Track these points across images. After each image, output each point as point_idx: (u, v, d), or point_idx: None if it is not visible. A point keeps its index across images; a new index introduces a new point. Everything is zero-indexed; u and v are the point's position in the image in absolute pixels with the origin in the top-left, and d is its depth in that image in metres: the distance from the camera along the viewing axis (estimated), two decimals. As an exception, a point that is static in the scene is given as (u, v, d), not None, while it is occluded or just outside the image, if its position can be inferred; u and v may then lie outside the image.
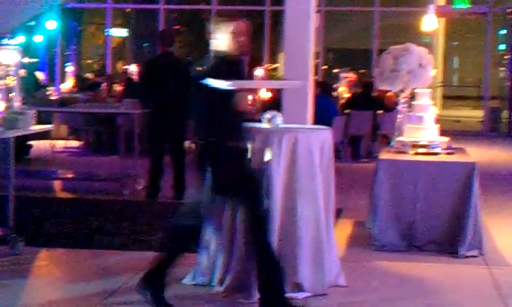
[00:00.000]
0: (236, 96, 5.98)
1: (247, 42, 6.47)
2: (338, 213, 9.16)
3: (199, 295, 6.61)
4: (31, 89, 14.35)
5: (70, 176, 12.68)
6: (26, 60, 22.83)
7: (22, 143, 13.18)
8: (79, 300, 6.36)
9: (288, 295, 6.44)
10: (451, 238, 8.17)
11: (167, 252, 6.45)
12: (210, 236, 6.81)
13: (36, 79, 18.32)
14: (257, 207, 6.18)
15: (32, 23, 20.97)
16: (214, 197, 6.40)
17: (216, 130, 6.11)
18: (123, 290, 6.63)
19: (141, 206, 10.26)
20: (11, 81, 7.88)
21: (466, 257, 7.96)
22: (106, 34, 26.69)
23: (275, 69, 24.14)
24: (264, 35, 23.84)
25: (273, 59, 24.47)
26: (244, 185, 6.24)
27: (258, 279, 6.31)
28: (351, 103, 16.60)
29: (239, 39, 6.30)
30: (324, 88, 16.57)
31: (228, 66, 6.16)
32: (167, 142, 10.83)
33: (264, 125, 6.88)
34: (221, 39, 6.30)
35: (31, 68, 20.09)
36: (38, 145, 15.26)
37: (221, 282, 6.67)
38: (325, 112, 13.49)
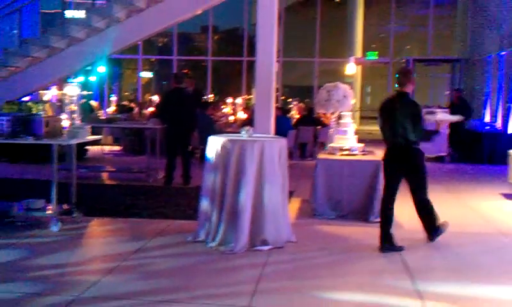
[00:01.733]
0: None
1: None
2: (291, 194, 9.18)
3: (197, 249, 6.62)
4: (87, 112, 14.28)
5: (113, 169, 12.64)
6: (84, 92, 22.83)
7: (81, 148, 13.14)
8: (117, 253, 6.36)
9: (257, 247, 6.52)
10: (364, 209, 8.22)
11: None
12: (205, 205, 6.84)
13: (90, 106, 18.26)
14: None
15: (89, 68, 20.86)
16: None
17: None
18: (147, 248, 6.64)
19: (161, 190, 10.23)
20: (74, 106, 7.87)
21: (374, 222, 8.01)
22: (138, 75, 26.64)
23: (250, 99, 24.13)
24: (242, 76, 23.93)
25: (249, 92, 24.50)
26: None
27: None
28: (299, 121, 16.62)
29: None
30: (282, 111, 16.67)
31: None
32: (178, 147, 10.83)
33: (243, 136, 6.91)
34: None
35: (87, 98, 20.08)
36: (92, 149, 15.22)
37: (214, 238, 6.69)
38: (283, 127, 13.51)
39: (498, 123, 17.97)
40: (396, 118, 6.98)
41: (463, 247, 7.09)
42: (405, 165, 7.04)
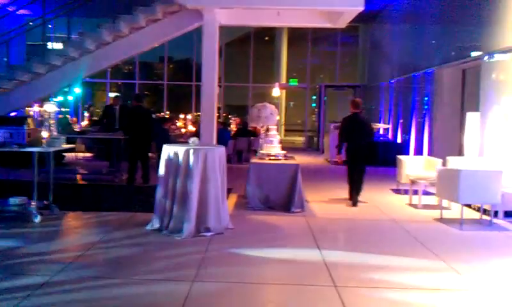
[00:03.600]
0: None
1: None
2: (229, 190, 9.18)
3: (153, 236, 6.52)
4: (65, 125, 13.82)
5: (85, 172, 12.31)
6: (62, 109, 22.19)
7: (59, 154, 12.72)
8: (85, 242, 6.19)
9: (202, 234, 6.47)
10: (287, 202, 8.28)
11: None
12: (160, 200, 6.75)
13: (67, 120, 17.71)
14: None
15: (66, 89, 20.29)
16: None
17: None
18: (111, 237, 6.48)
19: (124, 188, 10.01)
20: (52, 121, 7.63)
21: (295, 212, 8.10)
22: (107, 95, 26.10)
23: (198, 115, 23.96)
24: (192, 96, 23.76)
25: (197, 110, 24.35)
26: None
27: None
28: (237, 133, 16.61)
29: None
30: (223, 125, 16.59)
31: None
32: (138, 153, 10.63)
33: (191, 145, 6.86)
34: None
35: (65, 114, 19.50)
36: (68, 155, 14.74)
37: (167, 227, 6.61)
38: (223, 138, 13.49)
39: (390, 135, 18.49)
40: (361, 128, 9.09)
41: (361, 229, 7.26)
42: (363, 156, 9.14)
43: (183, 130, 17.33)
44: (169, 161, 6.66)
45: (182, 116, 19.83)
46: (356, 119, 9.15)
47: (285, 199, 8.32)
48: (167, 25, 11.58)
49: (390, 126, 12.09)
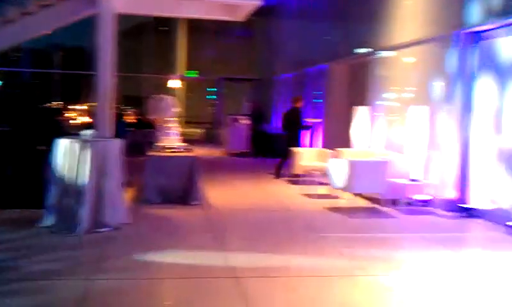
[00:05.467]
0: None
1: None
2: (126, 184, 8.89)
3: (44, 233, 6.16)
4: None
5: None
6: None
7: None
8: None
9: (98, 229, 6.22)
10: (186, 195, 8.18)
11: None
12: (53, 195, 6.40)
13: None
14: None
15: None
16: None
17: None
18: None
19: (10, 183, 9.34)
20: None
21: (193, 205, 8.04)
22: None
23: (93, 105, 23.08)
24: (86, 86, 22.79)
25: (92, 100, 23.47)
26: None
27: None
28: (136, 125, 16.16)
29: None
30: (120, 117, 16.04)
31: None
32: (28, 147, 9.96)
33: (85, 137, 6.56)
34: None
35: None
36: None
37: (59, 223, 6.29)
38: (120, 130, 13.01)
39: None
40: (296, 120, 11.29)
41: (257, 219, 7.37)
42: (296, 142, 11.18)
43: (77, 121, 16.59)
44: (62, 155, 6.33)
45: (75, 106, 18.96)
46: (293, 112, 11.38)
47: (184, 192, 8.21)
48: (60, 11, 10.94)
49: (321, 120, 12.71)
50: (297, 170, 10.29)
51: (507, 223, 6.95)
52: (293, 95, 12.18)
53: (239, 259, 5.39)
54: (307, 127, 11.69)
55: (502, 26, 7.56)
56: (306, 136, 16.07)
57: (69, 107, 20.06)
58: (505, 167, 7.44)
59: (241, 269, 5.01)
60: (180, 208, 7.84)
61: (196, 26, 24.53)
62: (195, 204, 8.05)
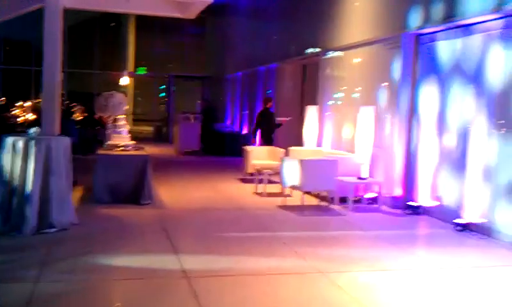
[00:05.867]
0: None
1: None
2: (75, 183, 8.68)
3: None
4: None
5: None
6: None
7: None
8: None
9: (45, 230, 6.03)
10: (136, 194, 8.05)
11: None
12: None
13: None
14: None
15: None
16: None
17: None
18: None
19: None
20: None
21: (144, 204, 7.93)
22: None
23: (39, 102, 22.35)
24: (31, 82, 22.04)
25: (37, 96, 22.74)
26: None
27: None
28: (85, 122, 15.74)
29: None
30: (67, 114, 15.58)
31: None
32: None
33: (31, 135, 6.35)
34: None
35: None
36: None
37: (5, 224, 6.05)
38: (67, 127, 12.68)
39: (236, 126, 18.97)
40: (269, 119, 11.70)
41: (209, 218, 7.35)
42: (270, 140, 11.56)
43: (22, 119, 16.02)
44: (7, 153, 6.10)
45: (19, 103, 18.28)
46: (265, 112, 11.76)
47: (134, 191, 8.08)
48: (5, 4, 10.54)
49: (290, 118, 12.78)
50: (249, 169, 10.32)
51: (455, 221, 7.20)
52: (265, 96, 12.69)
53: (190, 259, 5.35)
54: (279, 125, 11.88)
55: (442, 30, 7.84)
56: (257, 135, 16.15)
57: (14, 103, 19.33)
58: (450, 166, 7.72)
59: (192, 269, 4.97)
60: (131, 208, 7.71)
61: (146, 23, 24.17)
62: (146, 204, 7.94)
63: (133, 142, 8.95)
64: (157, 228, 6.63)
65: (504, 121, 6.71)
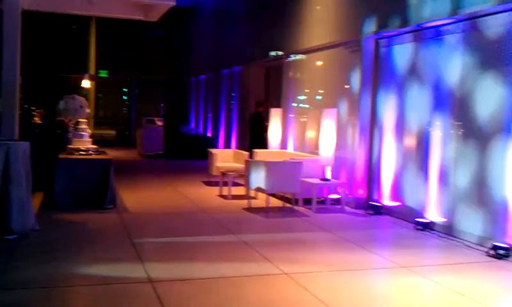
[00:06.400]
0: None
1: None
2: (35, 188, 8.46)
3: None
4: None
5: None
6: None
7: None
8: None
9: (5, 237, 5.87)
10: (99, 198, 7.91)
11: None
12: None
13: None
14: None
15: None
16: None
17: None
18: None
19: None
20: None
21: (107, 208, 7.80)
22: None
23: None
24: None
25: None
26: None
27: None
28: (45, 126, 15.33)
29: None
30: (27, 117, 15.21)
31: None
32: None
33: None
34: None
35: None
36: None
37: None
38: (27, 132, 12.37)
39: (200, 129, 18.90)
40: (260, 123, 11.87)
41: (173, 221, 7.29)
42: (263, 143, 11.47)
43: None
44: (-38, 158, 5.91)
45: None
46: (257, 116, 11.98)
47: (97, 196, 7.95)
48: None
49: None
50: (214, 171, 10.29)
51: (416, 220, 7.36)
52: (257, 100, 12.73)
53: (154, 264, 5.29)
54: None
55: (400, 34, 8.02)
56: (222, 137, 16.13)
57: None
58: (411, 166, 7.88)
59: (157, 275, 4.92)
60: (93, 213, 7.58)
61: (108, 25, 23.82)
62: (109, 209, 7.82)
63: (95, 146, 8.80)
64: (120, 233, 6.52)
65: (461, 123, 6.90)
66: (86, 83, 20.41)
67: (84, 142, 8.66)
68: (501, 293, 4.89)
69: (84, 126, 8.97)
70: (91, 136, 9.05)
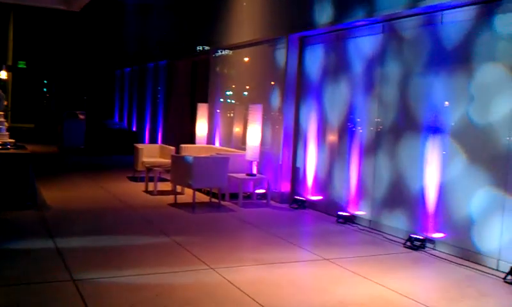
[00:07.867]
0: None
1: None
2: None
3: None
4: None
5: None
6: None
7: None
8: None
9: None
10: (18, 196, 7.46)
11: None
12: None
13: None
14: None
15: None
16: None
17: None
18: None
19: None
20: None
21: (27, 206, 7.42)
22: None
23: None
24: None
25: None
26: None
27: None
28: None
29: None
30: None
31: None
32: None
33: None
34: None
35: None
36: None
37: None
38: None
39: (125, 123, 18.47)
40: None
41: (98, 218, 7.09)
42: None
43: None
44: None
45: None
46: None
47: (15, 193, 7.55)
48: None
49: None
50: (139, 166, 10.09)
51: (338, 213, 7.60)
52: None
53: (76, 261, 5.12)
54: None
55: (325, 32, 8.24)
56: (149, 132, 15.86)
57: None
58: (334, 162, 8.12)
59: (79, 272, 4.77)
60: (12, 211, 7.20)
61: (29, 15, 22.69)
62: (28, 206, 7.46)
63: (12, 140, 8.37)
64: (41, 232, 6.25)
65: (380, 119, 7.19)
66: (3, 74, 19.35)
67: (1, 136, 8.22)
68: (407, 277, 5.16)
69: (1, 119, 8.51)
70: (7, 130, 8.60)
